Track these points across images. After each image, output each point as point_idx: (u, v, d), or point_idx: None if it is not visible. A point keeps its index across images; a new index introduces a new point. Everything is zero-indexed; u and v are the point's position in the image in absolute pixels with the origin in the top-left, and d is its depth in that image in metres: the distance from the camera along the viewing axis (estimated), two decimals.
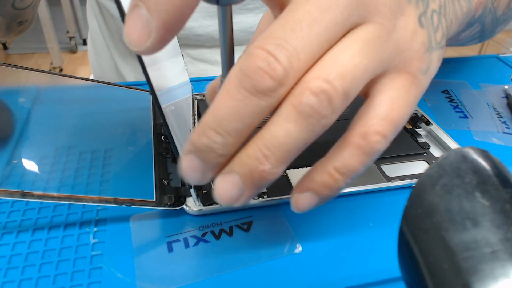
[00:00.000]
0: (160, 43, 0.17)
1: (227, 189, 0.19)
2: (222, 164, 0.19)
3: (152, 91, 0.22)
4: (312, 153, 0.28)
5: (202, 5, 0.50)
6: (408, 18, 0.21)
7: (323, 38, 0.18)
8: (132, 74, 0.58)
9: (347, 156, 0.19)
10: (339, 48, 0.18)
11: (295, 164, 0.32)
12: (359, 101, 0.21)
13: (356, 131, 0.19)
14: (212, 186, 0.19)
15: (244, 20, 0.52)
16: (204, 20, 0.50)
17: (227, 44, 0.19)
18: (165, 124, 0.23)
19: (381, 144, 0.19)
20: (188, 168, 0.19)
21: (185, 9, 0.17)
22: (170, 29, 0.17)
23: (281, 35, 0.17)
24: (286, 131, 0.18)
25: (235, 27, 0.52)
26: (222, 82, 0.20)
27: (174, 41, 0.34)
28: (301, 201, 0.20)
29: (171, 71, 0.30)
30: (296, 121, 0.18)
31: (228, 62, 0.19)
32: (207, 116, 0.18)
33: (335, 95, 0.17)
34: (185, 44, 0.53)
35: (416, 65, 0.21)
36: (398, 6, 0.20)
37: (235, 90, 0.17)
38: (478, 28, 0.39)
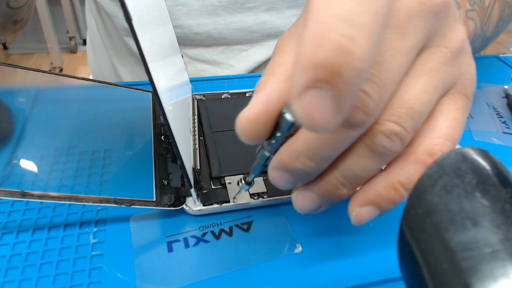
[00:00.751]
0: (346, 117, 0.16)
1: (305, 204, 0.22)
2: (308, 181, 0.21)
3: (154, 90, 0.22)
4: None
5: (202, 4, 0.50)
6: (467, 42, 0.21)
7: (405, 66, 0.18)
8: (130, 76, 0.58)
9: (413, 172, 0.20)
10: (408, 85, 0.19)
11: None
12: None
13: (422, 148, 0.20)
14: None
15: (243, 19, 0.51)
16: (203, 19, 0.50)
17: None
18: (166, 123, 0.23)
19: None
20: (279, 180, 0.21)
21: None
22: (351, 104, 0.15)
23: (371, 70, 0.17)
24: (360, 166, 0.19)
25: (234, 26, 0.52)
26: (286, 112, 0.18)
27: (173, 40, 0.34)
28: (363, 214, 0.21)
29: (170, 71, 0.30)
30: (370, 157, 0.19)
31: None
32: (299, 144, 0.19)
33: (405, 135, 0.19)
34: (183, 44, 0.53)
35: (472, 88, 0.21)
36: (462, 30, 0.21)
37: None
38: None
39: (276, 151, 0.21)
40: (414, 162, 0.20)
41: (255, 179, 0.31)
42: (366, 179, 0.20)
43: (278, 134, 0.19)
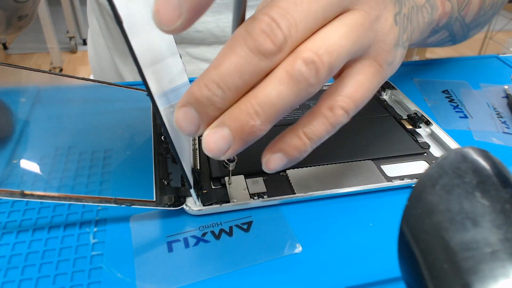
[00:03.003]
0: (188, 24, 0.18)
1: (216, 142, 0.20)
2: (216, 117, 0.20)
3: (149, 92, 0.22)
4: (312, 153, 0.28)
5: None
6: (388, 13, 0.24)
7: (319, 15, 0.20)
8: (132, 75, 0.58)
9: (315, 124, 0.22)
10: (330, 29, 0.21)
11: (295, 165, 0.32)
12: None
13: (325, 104, 0.22)
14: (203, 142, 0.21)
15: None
16: (205, 17, 0.51)
17: (239, 20, 0.21)
18: (163, 126, 0.23)
19: (343, 117, 0.22)
20: (183, 120, 0.20)
21: None
22: (199, 10, 0.18)
23: (283, 6, 0.19)
24: (277, 92, 0.20)
25: None
26: None
27: (171, 42, 0.34)
28: (272, 161, 0.22)
29: (169, 73, 0.30)
30: (288, 84, 0.20)
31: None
32: (210, 70, 0.19)
33: (321, 67, 0.20)
34: (185, 42, 0.53)
35: (385, 56, 0.24)
36: (383, 1, 0.23)
37: (239, 48, 0.19)
38: (446, 33, 0.41)
39: None
40: (317, 115, 0.22)
41: (256, 179, 0.31)
42: (280, 113, 0.20)
43: None
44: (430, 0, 0.32)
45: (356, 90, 0.22)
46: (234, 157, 0.28)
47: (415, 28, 0.28)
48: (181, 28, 0.18)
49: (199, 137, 0.35)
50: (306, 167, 0.32)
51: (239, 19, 0.21)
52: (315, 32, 0.20)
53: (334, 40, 0.20)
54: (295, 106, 0.20)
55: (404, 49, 0.26)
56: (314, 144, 0.22)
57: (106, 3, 0.53)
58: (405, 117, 0.39)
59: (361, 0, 0.22)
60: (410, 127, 0.37)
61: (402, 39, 0.25)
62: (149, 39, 0.25)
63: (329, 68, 0.20)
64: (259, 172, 0.31)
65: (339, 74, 0.23)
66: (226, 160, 0.28)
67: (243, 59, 0.19)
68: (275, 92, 0.20)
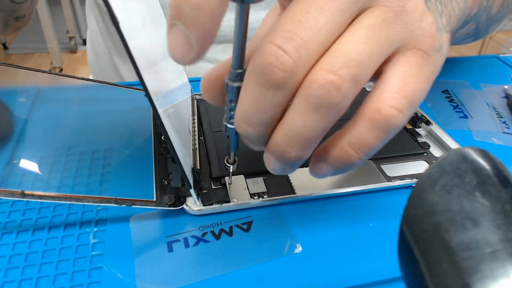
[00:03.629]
0: (202, 52, 0.18)
1: (272, 167, 0.22)
2: (266, 143, 0.21)
3: (148, 94, 0.22)
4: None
5: None
6: (416, 1, 0.21)
7: (331, 26, 0.18)
8: (131, 75, 0.58)
9: (361, 131, 0.19)
10: (344, 38, 0.19)
11: None
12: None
13: (370, 106, 0.19)
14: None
15: None
16: None
17: (241, 40, 0.20)
18: (162, 127, 0.23)
19: (397, 118, 0.19)
20: (247, 142, 0.21)
21: (218, 17, 0.18)
22: (208, 37, 0.18)
23: (289, 28, 0.18)
24: (301, 122, 0.19)
25: (234, 23, 0.52)
26: (231, 72, 0.21)
27: None
28: (317, 168, 0.21)
29: (169, 74, 0.30)
30: (309, 112, 0.18)
31: (241, 55, 0.20)
32: (238, 111, 0.20)
33: (343, 83, 0.18)
34: None
35: (429, 42, 0.21)
36: None
37: (252, 86, 0.19)
38: (474, 26, 0.39)
39: None
40: (363, 120, 0.19)
41: (256, 179, 0.31)
42: (314, 139, 0.19)
43: (226, 99, 0.22)
44: None
45: (404, 82, 0.19)
46: (235, 159, 0.27)
47: (451, 14, 0.26)
48: (197, 58, 0.18)
49: (199, 137, 0.35)
50: (306, 167, 0.32)
51: (241, 50, 0.20)
52: (333, 43, 0.19)
53: (350, 48, 0.18)
54: (328, 127, 0.19)
55: (447, 33, 0.23)
56: (364, 155, 0.20)
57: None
58: None
59: None
60: (410, 127, 0.37)
61: (442, 23, 0.22)
62: (147, 40, 0.25)
63: (353, 81, 0.18)
64: (259, 172, 0.31)
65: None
66: (227, 162, 0.28)
67: (258, 96, 0.19)
68: (298, 122, 0.19)
